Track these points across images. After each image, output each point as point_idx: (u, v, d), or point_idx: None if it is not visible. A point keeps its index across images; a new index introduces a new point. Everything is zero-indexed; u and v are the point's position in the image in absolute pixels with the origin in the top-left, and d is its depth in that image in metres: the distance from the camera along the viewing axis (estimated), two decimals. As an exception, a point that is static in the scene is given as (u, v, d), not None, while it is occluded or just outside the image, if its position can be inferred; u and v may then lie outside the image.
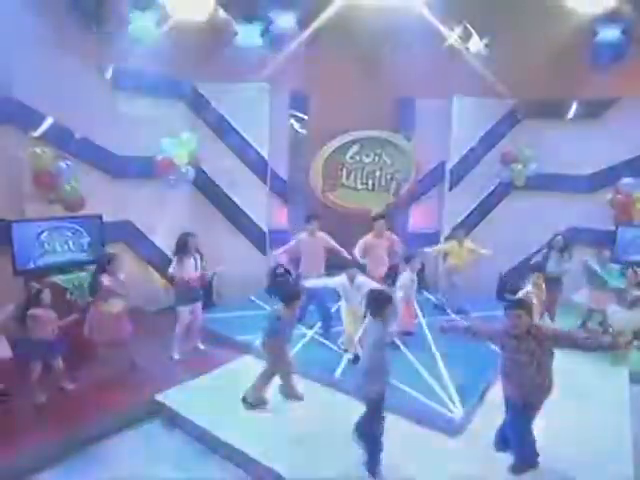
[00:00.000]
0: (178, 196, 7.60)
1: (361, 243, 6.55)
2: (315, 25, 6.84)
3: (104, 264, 5.15)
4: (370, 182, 7.80)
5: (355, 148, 7.66)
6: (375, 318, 3.68)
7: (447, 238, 7.86)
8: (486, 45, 6.95)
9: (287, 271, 7.44)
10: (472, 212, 8.24)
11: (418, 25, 6.67)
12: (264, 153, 7.80)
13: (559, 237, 6.58)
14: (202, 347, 5.95)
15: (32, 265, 5.57)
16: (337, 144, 7.61)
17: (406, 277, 5.81)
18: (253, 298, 7.58)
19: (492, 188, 8.27)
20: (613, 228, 7.07)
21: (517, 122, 8.05)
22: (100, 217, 6.14)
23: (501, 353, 3.76)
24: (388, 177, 7.78)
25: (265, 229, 8.07)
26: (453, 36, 6.70)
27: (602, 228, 7.24)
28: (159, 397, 4.80)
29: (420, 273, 8.06)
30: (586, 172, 7.65)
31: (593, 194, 7.55)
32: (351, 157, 7.70)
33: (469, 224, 8.01)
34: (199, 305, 5.84)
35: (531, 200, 7.98)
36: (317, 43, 7.45)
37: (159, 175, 7.11)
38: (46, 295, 4.55)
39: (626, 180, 7.00)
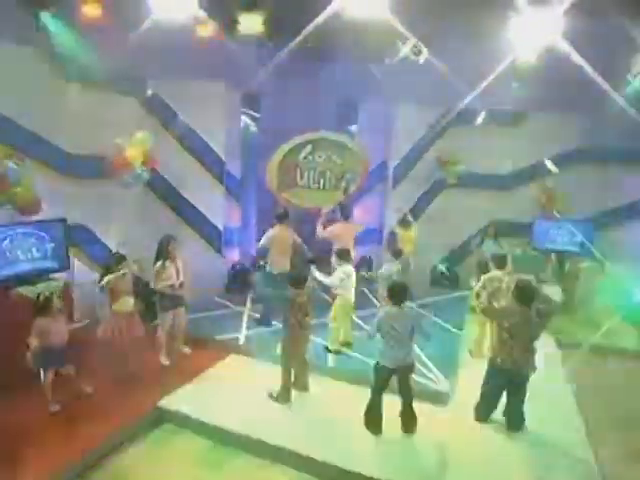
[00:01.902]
0: (129, 196, 7.37)
1: (332, 228, 7.06)
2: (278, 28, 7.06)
3: (111, 265, 5.02)
4: (322, 181, 8.27)
5: (308, 149, 8.06)
6: (400, 306, 4.34)
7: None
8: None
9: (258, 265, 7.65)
10: (412, 208, 9.19)
11: (372, 34, 7.30)
12: (220, 152, 7.88)
13: (492, 226, 7.76)
14: (188, 350, 5.97)
15: (-6, 276, 5.14)
16: (291, 145, 7.94)
17: (390, 268, 6.41)
18: (217, 298, 7.69)
19: (428, 186, 9.32)
20: (530, 220, 8.49)
21: (447, 127, 9.16)
22: (64, 221, 5.81)
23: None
24: (338, 176, 8.33)
25: (220, 228, 8.16)
26: (405, 49, 7.41)
27: (522, 221, 8.63)
28: (163, 403, 4.86)
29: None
30: (506, 171, 9.00)
31: (513, 191, 8.94)
32: (304, 157, 8.08)
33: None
34: (183, 309, 5.86)
35: (461, 196, 9.14)
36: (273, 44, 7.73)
37: (113, 175, 6.84)
38: (56, 302, 4.42)
39: (547, 179, 8.44)
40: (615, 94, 7.04)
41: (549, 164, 8.63)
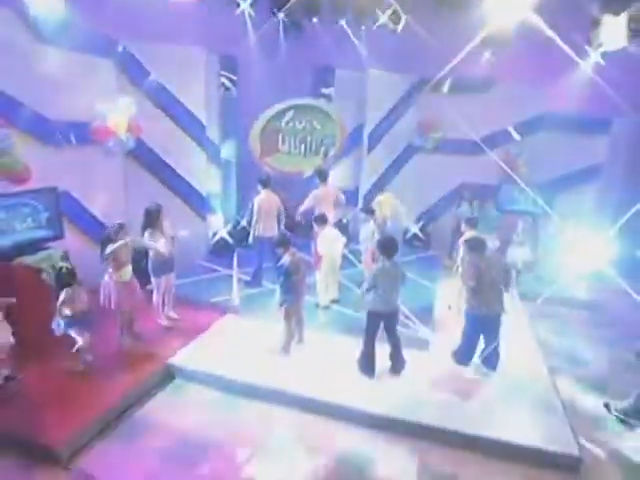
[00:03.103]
0: (110, 164, 7.41)
1: (313, 194, 7.43)
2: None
3: (111, 234, 5.17)
4: (302, 147, 8.57)
5: (290, 114, 8.30)
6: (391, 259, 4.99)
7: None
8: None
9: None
10: (385, 172, 9.70)
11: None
12: (201, 118, 7.97)
13: (467, 190, 8.39)
14: (175, 316, 6.22)
15: (-6, 248, 5.23)
16: (274, 112, 8.14)
17: (368, 230, 6.91)
18: (203, 262, 8.00)
19: (400, 152, 9.79)
20: (495, 183, 9.18)
21: (419, 94, 9.56)
22: (55, 189, 5.87)
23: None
24: (318, 142, 8.64)
25: (203, 194, 8.36)
26: (384, 17, 7.66)
27: (487, 183, 9.31)
28: (172, 360, 5.26)
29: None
30: (474, 137, 9.56)
31: (480, 156, 9.55)
32: (286, 123, 8.33)
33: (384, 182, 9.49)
34: (173, 275, 6.16)
35: (431, 161, 9.68)
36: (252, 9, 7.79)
37: (96, 142, 6.86)
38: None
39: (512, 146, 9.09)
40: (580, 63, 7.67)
41: (513, 131, 9.29)
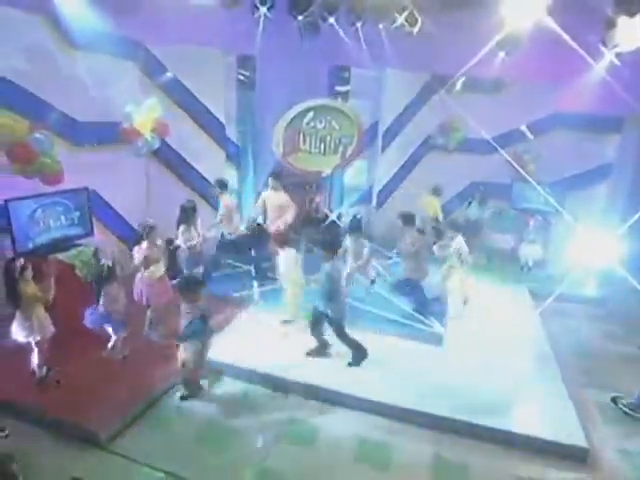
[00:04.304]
0: (135, 164, 7.73)
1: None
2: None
3: (143, 235, 5.51)
4: (322, 146, 8.87)
5: (310, 115, 8.58)
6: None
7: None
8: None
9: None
10: (399, 170, 9.95)
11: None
12: (221, 118, 8.27)
13: (481, 189, 8.61)
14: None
15: (31, 245, 5.59)
16: (295, 112, 8.44)
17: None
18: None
19: (412, 150, 10.03)
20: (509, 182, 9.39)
21: (433, 94, 9.76)
22: (86, 189, 6.22)
23: None
24: (337, 141, 8.92)
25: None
26: (401, 19, 7.87)
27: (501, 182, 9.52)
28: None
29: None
30: (487, 137, 9.75)
31: (491, 154, 9.74)
32: (307, 123, 8.63)
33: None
34: (202, 268, 6.53)
35: (444, 160, 9.91)
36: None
37: (124, 143, 7.18)
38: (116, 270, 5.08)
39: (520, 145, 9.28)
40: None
41: (526, 130, 9.48)
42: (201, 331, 4.74)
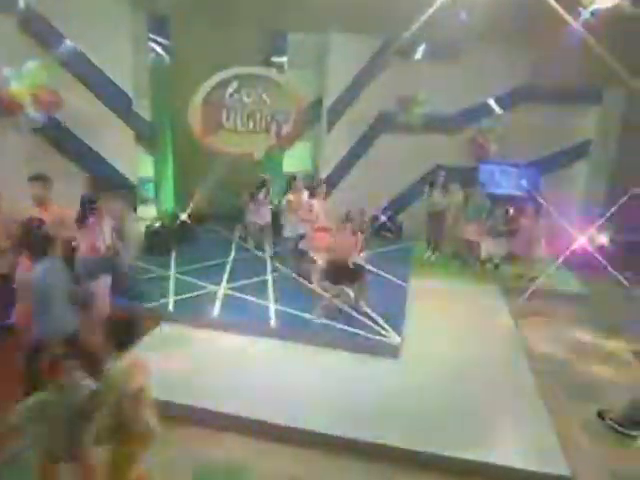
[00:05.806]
0: (12, 143, 6.64)
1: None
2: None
3: None
4: (251, 123, 8.00)
5: (234, 85, 7.65)
6: None
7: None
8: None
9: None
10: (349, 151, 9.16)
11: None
12: (127, 89, 7.29)
13: (442, 173, 7.96)
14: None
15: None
16: (215, 81, 7.45)
17: None
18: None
19: (365, 129, 9.23)
20: (475, 165, 8.74)
21: (385, 62, 9.03)
22: None
23: None
24: (268, 118, 8.06)
25: (134, 181, 7.67)
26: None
27: (466, 165, 8.86)
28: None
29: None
30: (450, 112, 9.12)
31: (455, 134, 9.13)
32: (230, 95, 7.69)
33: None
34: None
35: (402, 139, 9.17)
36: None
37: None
38: None
39: (484, 120, 8.59)
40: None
41: (493, 104, 8.91)
42: None
